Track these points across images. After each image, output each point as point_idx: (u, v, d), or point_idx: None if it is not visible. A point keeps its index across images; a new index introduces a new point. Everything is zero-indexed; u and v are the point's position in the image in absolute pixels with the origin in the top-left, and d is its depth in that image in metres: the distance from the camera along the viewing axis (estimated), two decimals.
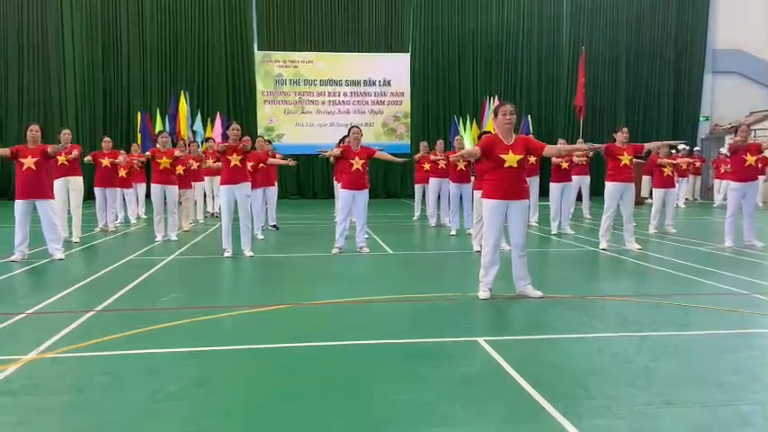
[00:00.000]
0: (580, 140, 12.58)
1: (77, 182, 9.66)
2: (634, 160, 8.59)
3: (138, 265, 7.51)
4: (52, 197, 7.99)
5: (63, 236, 9.41)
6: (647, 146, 9.10)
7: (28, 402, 3.23)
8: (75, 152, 9.54)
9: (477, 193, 7.66)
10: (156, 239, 9.59)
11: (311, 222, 13.10)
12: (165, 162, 9.67)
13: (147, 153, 10.42)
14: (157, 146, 9.97)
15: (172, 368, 3.75)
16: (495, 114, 5.68)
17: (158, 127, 15.87)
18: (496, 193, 5.54)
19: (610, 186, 8.62)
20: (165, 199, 9.71)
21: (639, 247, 8.59)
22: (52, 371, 3.72)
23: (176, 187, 9.92)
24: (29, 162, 7.70)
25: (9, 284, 6.43)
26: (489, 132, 5.95)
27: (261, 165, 10.16)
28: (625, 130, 8.70)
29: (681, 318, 4.96)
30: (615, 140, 8.69)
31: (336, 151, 8.84)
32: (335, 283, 6.61)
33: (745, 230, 8.83)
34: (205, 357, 4.00)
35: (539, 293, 5.61)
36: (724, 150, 15.95)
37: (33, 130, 7.87)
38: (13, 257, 7.68)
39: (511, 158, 5.47)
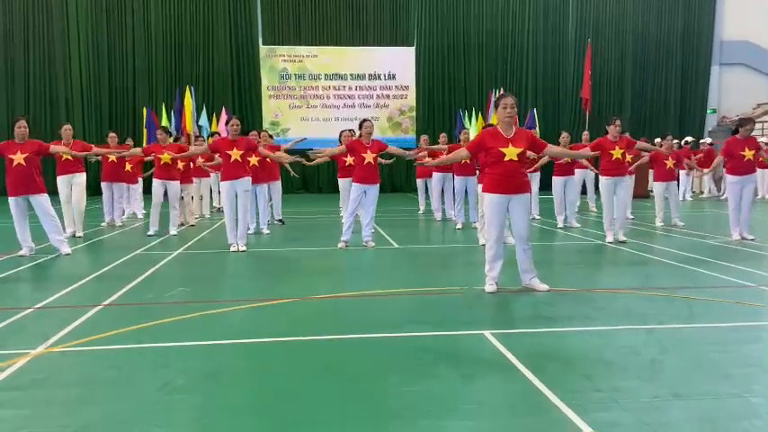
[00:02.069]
0: (585, 133, 12.51)
1: (81, 178, 9.69)
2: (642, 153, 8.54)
3: (145, 259, 7.54)
4: (44, 191, 7.84)
5: (71, 231, 9.48)
6: (639, 145, 8.98)
7: (37, 396, 3.25)
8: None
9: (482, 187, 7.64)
10: (149, 233, 9.67)
11: (316, 217, 13.12)
12: (165, 157, 9.69)
13: (136, 149, 10.47)
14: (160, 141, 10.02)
15: (180, 361, 3.77)
16: (496, 106, 5.65)
17: (164, 122, 15.89)
18: (497, 188, 5.53)
19: (604, 181, 8.65)
20: (165, 194, 9.79)
21: (624, 239, 8.59)
22: (60, 365, 3.74)
23: (178, 182, 9.96)
24: (18, 158, 7.60)
25: (17, 279, 6.46)
26: (493, 125, 5.91)
27: (268, 159, 10.16)
28: (618, 123, 8.63)
29: (688, 310, 4.94)
30: (608, 133, 8.66)
31: (328, 152, 8.91)
32: (342, 277, 6.62)
33: (741, 222, 8.80)
34: (213, 351, 4.01)
35: (545, 287, 5.60)
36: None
37: (21, 126, 7.71)
38: (20, 253, 7.73)
39: (511, 152, 5.45)
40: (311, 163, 9.53)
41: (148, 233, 9.71)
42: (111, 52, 20.21)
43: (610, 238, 8.63)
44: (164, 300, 5.42)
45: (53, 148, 8.26)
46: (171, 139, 10.26)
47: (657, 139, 13.36)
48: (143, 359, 3.85)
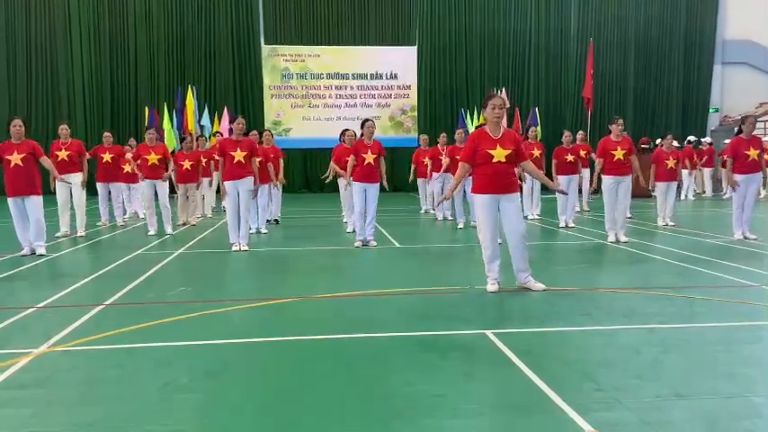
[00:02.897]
0: (581, 133, 12.51)
1: (79, 178, 9.69)
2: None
3: (146, 259, 7.55)
4: (40, 193, 7.81)
5: (64, 231, 9.50)
6: (633, 161, 8.71)
7: (40, 395, 3.25)
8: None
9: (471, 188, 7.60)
10: (150, 233, 9.71)
11: (318, 216, 13.12)
12: (153, 158, 9.69)
13: (130, 155, 10.36)
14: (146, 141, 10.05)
15: (182, 360, 3.77)
16: (485, 107, 5.62)
17: (165, 121, 15.89)
18: (486, 188, 5.52)
19: (605, 180, 8.65)
20: (156, 194, 9.83)
21: (626, 240, 8.56)
22: (63, 364, 3.74)
23: (167, 182, 9.98)
24: (15, 158, 7.56)
25: (19, 278, 6.47)
26: (482, 126, 5.84)
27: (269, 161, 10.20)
28: (620, 122, 8.59)
29: (689, 309, 4.93)
30: (611, 132, 8.63)
31: (349, 168, 8.76)
32: (343, 276, 6.62)
33: (743, 221, 8.79)
34: (216, 350, 4.01)
35: (541, 286, 5.58)
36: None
37: (17, 126, 7.63)
38: (22, 252, 7.75)
39: (499, 153, 5.43)
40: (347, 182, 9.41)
41: (149, 233, 9.74)
42: (112, 51, 20.23)
43: (611, 238, 8.62)
44: (165, 299, 5.43)
45: (44, 160, 7.99)
46: (176, 141, 10.28)
47: (659, 140, 13.34)
48: (145, 359, 3.85)
